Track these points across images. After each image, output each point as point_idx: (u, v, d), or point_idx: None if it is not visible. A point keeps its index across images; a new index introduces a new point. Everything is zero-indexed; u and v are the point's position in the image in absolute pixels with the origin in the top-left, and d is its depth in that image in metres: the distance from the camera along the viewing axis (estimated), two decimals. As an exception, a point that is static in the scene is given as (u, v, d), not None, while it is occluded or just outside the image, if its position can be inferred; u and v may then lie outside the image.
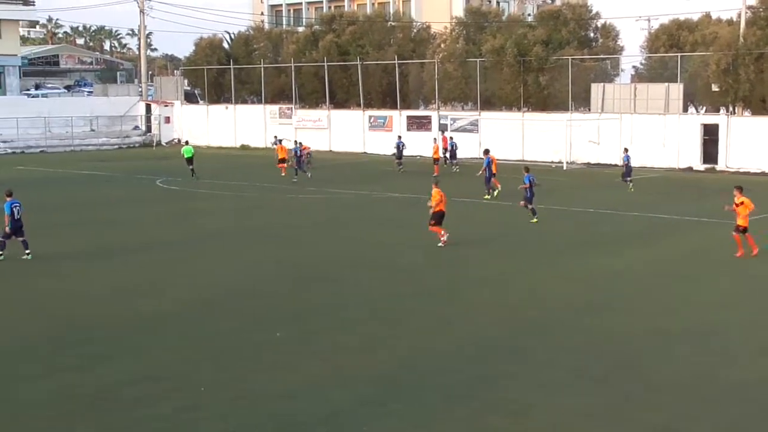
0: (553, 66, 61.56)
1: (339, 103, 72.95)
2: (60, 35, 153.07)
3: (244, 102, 79.50)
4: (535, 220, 32.85)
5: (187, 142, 58.42)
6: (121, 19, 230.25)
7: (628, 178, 44.04)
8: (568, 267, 25.16)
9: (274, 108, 74.49)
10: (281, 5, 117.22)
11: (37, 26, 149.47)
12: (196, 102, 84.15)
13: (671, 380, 15.35)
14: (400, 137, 58.05)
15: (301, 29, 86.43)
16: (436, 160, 51.36)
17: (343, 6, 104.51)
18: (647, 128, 56.17)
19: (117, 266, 25.60)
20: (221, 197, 41.78)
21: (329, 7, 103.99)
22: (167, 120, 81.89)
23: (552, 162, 57.05)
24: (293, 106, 73.35)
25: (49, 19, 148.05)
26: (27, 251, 26.47)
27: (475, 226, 32.85)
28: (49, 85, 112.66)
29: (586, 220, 34.40)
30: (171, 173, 51.96)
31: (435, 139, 55.57)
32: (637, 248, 28.11)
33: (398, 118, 66.72)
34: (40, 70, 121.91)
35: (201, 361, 16.53)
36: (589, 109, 60.13)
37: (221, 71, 79.48)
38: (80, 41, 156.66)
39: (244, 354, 16.98)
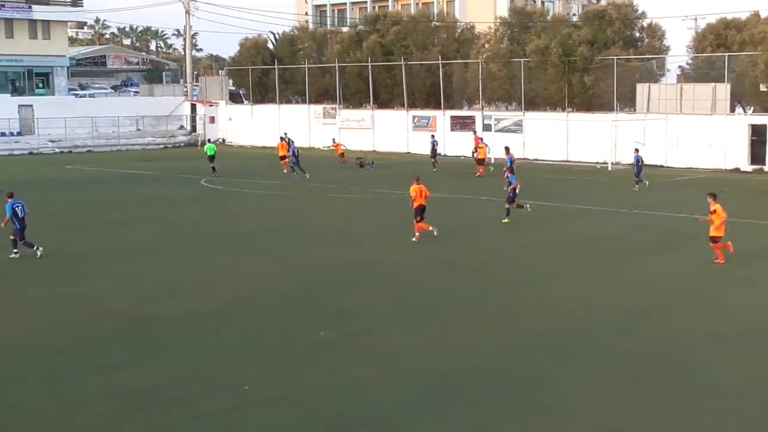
0: (598, 66, 61.17)
1: (383, 103, 73.00)
2: (107, 36, 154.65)
3: (289, 102, 79.82)
4: (506, 220, 32.99)
5: (209, 140, 59.08)
6: (167, 20, 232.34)
7: (638, 178, 44.04)
8: (619, 268, 25.00)
9: (318, 108, 74.72)
10: (326, 5, 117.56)
11: (85, 27, 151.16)
12: (241, 102, 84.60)
13: (722, 384, 15.22)
14: (433, 136, 58.21)
15: (345, 29, 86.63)
16: (481, 161, 51.10)
17: (387, 6, 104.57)
18: (693, 129, 55.64)
19: (165, 265, 25.84)
20: (265, 197, 42.00)
21: (373, 7, 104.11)
22: (212, 120, 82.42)
23: (596, 163, 56.68)
24: (337, 106, 73.54)
25: (97, 20, 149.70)
26: (15, 251, 26.66)
27: (520, 226, 32.75)
28: (96, 86, 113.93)
29: (634, 222, 34.15)
30: (217, 173, 52.23)
31: (482, 138, 55.28)
32: (689, 250, 27.79)
33: (442, 118, 66.64)
34: (87, 71, 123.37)
35: (246, 360, 16.65)
36: (635, 110, 59.69)
37: (266, 71, 79.85)
38: (127, 42, 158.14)
39: (289, 353, 17.07)
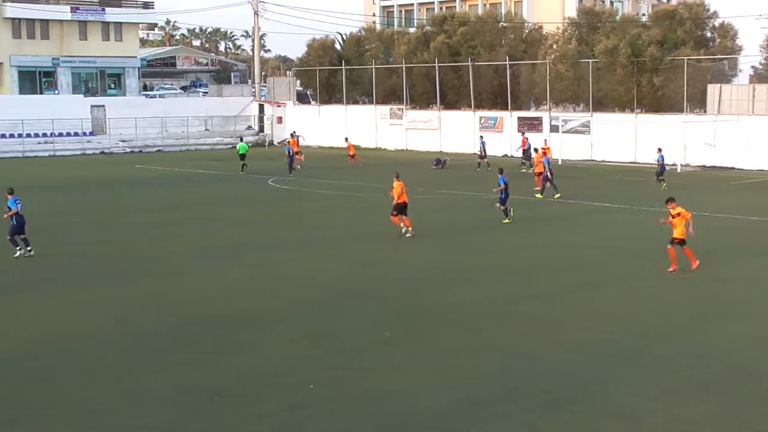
0: (667, 67, 60.40)
1: (450, 104, 72.90)
2: (177, 37, 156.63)
3: (355, 102, 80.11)
4: (507, 221, 32.89)
5: (241, 139, 59.62)
6: (236, 21, 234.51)
7: (659, 177, 44.25)
8: (686, 273, 24.69)
9: (385, 109, 74.88)
10: (393, 6, 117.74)
11: (156, 29, 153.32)
12: (308, 102, 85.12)
13: (788, 390, 15.00)
14: (482, 137, 58.12)
15: (412, 30, 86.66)
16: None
17: (455, 7, 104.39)
18: (766, 130, 54.67)
19: (231, 264, 26.12)
20: (332, 197, 42.21)
21: (441, 8, 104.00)
22: (279, 120, 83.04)
23: (666, 165, 55.88)
24: (404, 107, 73.61)
25: (168, 22, 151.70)
26: (19, 248, 27.01)
27: (580, 227, 32.51)
28: (167, 86, 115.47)
29: (704, 225, 33.66)
30: (283, 173, 52.66)
31: (546, 140, 54.88)
32: (760, 255, 27.35)
33: (509, 119, 66.34)
34: (158, 72, 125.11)
35: (311, 358, 16.77)
36: (705, 111, 58.83)
37: (333, 72, 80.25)
38: (196, 43, 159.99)
39: (353, 353, 17.16)
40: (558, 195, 40.30)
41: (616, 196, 40.86)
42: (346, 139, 62.44)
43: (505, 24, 75.99)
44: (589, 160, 59.97)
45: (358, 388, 15.10)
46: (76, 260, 26.75)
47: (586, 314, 20.10)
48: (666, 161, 45.52)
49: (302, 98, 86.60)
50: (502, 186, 32.84)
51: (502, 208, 33.02)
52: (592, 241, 29.84)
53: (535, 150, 47.03)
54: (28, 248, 27.12)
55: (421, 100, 74.86)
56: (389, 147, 72.61)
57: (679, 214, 24.39)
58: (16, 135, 71.53)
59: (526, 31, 74.79)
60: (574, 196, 40.96)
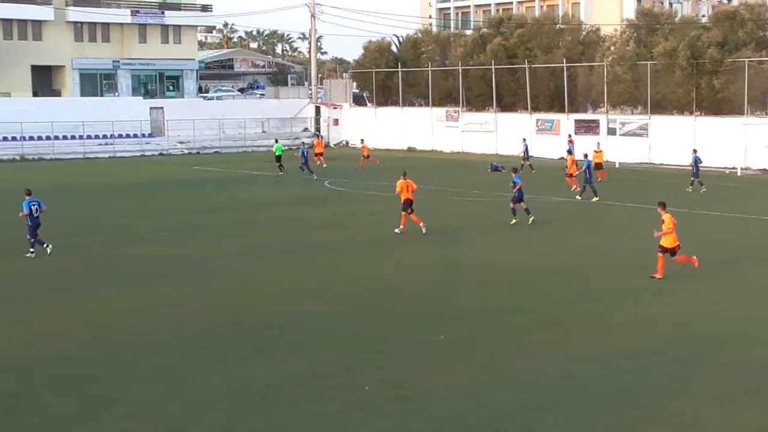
0: (728, 69, 59.56)
1: (506, 106, 72.58)
2: (235, 40, 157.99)
3: (412, 105, 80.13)
4: (515, 221, 33.09)
5: (276, 141, 60.11)
6: (292, 24, 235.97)
7: (696, 180, 44.15)
8: (744, 277, 24.38)
9: (441, 111, 74.80)
10: (449, 8, 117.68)
11: (214, 31, 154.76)
12: (364, 104, 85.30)
13: None
14: (524, 139, 57.81)
15: (468, 32, 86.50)
16: (598, 165, 50.13)
17: (511, 8, 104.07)
18: (829, 133, 53.74)
19: (286, 265, 26.29)
20: (385, 198, 42.16)
21: (497, 10, 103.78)
22: (336, 122, 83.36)
23: (725, 168, 55.16)
24: (460, 109, 73.47)
25: (225, 24, 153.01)
26: (32, 250, 27.30)
27: (640, 228, 32.19)
28: (224, 88, 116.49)
29: (765, 230, 33.22)
30: (339, 175, 52.87)
31: (599, 143, 54.27)
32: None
33: (566, 121, 65.91)
34: (215, 74, 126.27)
35: (365, 360, 16.83)
36: (767, 113, 57.92)
37: (389, 74, 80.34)
38: (254, 45, 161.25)
39: (406, 354, 17.18)
40: (596, 198, 40.07)
41: (673, 200, 40.32)
42: (362, 140, 62.98)
43: (562, 26, 75.50)
44: (646, 163, 59.36)
45: (414, 389, 15.12)
46: (132, 260, 27.08)
47: (640, 318, 19.93)
48: (701, 163, 45.23)
49: (358, 100, 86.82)
50: (519, 184, 33.06)
51: (524, 206, 33.27)
52: (647, 245, 29.52)
53: (568, 152, 46.96)
54: (31, 250, 27.41)
55: (477, 102, 74.66)
56: (445, 149, 72.50)
57: (663, 221, 23.84)
58: (77, 137, 72.62)
59: (584, 32, 74.20)
60: (630, 198, 40.60)
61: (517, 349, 17.48)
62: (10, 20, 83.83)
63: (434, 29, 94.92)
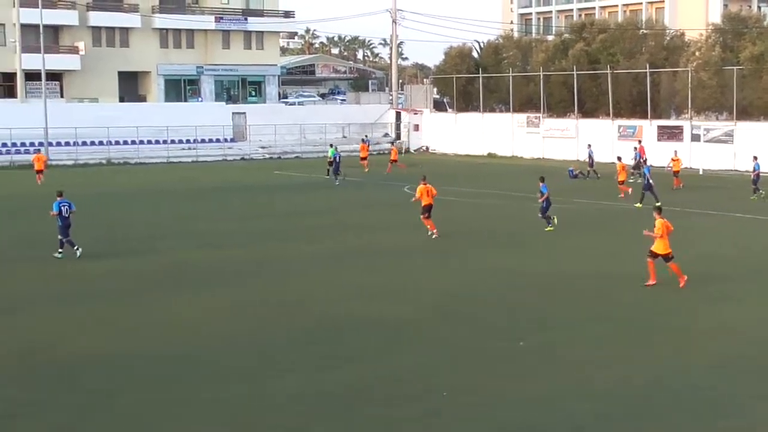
0: (817, 73, 58.27)
1: (587, 112, 71.94)
2: (316, 45, 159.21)
3: (492, 110, 79.88)
4: (550, 228, 32.97)
5: (331, 145, 60.34)
6: (374, 29, 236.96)
7: (756, 186, 43.51)
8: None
9: (522, 117, 74.43)
10: (531, 14, 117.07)
11: (296, 37, 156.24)
12: (445, 110, 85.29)
13: None
14: (590, 146, 57.10)
15: (550, 38, 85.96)
16: (675, 173, 49.35)
17: (594, 14, 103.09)
18: None
19: (363, 270, 26.39)
20: (463, 204, 42.12)
21: (579, 15, 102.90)
22: (416, 128, 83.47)
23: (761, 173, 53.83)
24: (541, 115, 73.02)
25: (307, 30, 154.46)
26: (61, 250, 27.93)
27: (719, 236, 31.63)
28: (305, 94, 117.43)
29: None
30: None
31: (676, 151, 53.24)
32: None
33: (648, 127, 65.05)
34: (297, 79, 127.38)
35: (443, 365, 16.81)
36: None
37: (470, 79, 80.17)
38: (335, 51, 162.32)
39: (485, 361, 17.12)
40: (658, 204, 39.53)
41: (759, 208, 39.62)
42: (392, 143, 63.30)
43: (645, 31, 74.59)
44: (732, 170, 58.28)
45: (492, 396, 15.07)
46: (211, 263, 27.44)
47: (725, 327, 19.59)
48: (762, 169, 44.62)
49: (439, 106, 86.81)
50: (545, 194, 32.91)
51: (542, 216, 33.22)
52: (727, 253, 29.02)
53: (618, 158, 46.43)
54: (60, 250, 28.04)
55: (559, 108, 74.12)
56: (525, 155, 72.12)
57: (655, 226, 23.45)
58: (161, 141, 73.96)
59: (668, 38, 73.22)
60: (714, 206, 39.93)
61: (599, 358, 17.30)
62: (99, 28, 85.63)
63: (515, 35, 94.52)
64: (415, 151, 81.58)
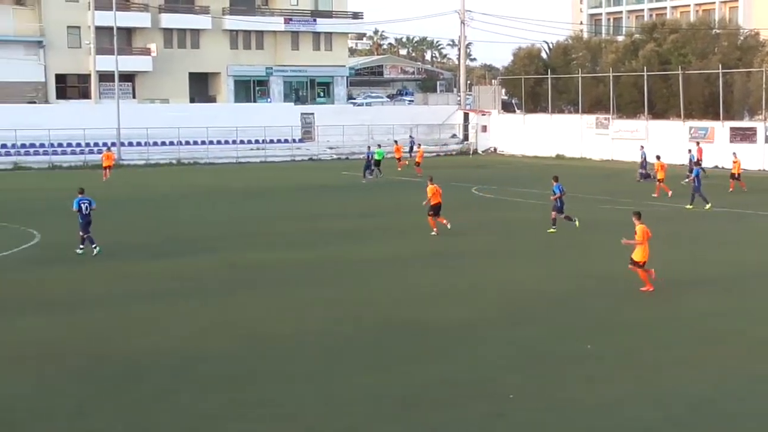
0: None
1: (658, 113, 71.03)
2: (384, 46, 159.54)
3: (561, 111, 79.29)
4: (552, 230, 32.72)
5: (379, 146, 60.33)
6: (442, 30, 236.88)
7: None
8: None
9: (591, 118, 73.74)
10: (601, 14, 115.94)
11: (364, 38, 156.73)
12: (513, 111, 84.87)
13: None
14: (642, 147, 56.23)
15: (620, 38, 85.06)
16: (735, 175, 48.30)
17: (665, 14, 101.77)
18: None
19: (432, 270, 26.36)
20: (533, 206, 41.82)
21: (650, 15, 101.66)
22: (484, 129, 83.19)
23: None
24: (610, 116, 72.27)
25: (376, 32, 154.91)
26: (82, 246, 28.57)
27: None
28: (373, 94, 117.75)
29: None
30: (487, 182, 52.74)
31: (735, 153, 52.05)
32: None
33: (720, 129, 64.01)
34: (365, 80, 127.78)
35: (509, 368, 16.71)
36: None
37: (538, 80, 79.67)
38: (403, 52, 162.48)
39: (553, 364, 16.99)
40: (709, 206, 39.17)
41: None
42: (416, 143, 65.81)
43: (718, 31, 73.45)
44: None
45: (558, 399, 14.95)
46: (282, 264, 27.60)
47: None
48: None
49: (507, 107, 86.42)
50: (558, 194, 32.70)
51: (556, 215, 32.99)
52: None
53: (657, 157, 45.97)
54: (81, 246, 28.62)
55: (628, 109, 73.29)
56: (594, 157, 71.46)
57: (635, 232, 22.93)
58: (230, 141, 74.72)
59: (741, 37, 72.00)
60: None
61: (667, 363, 17.05)
62: (171, 30, 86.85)
63: (585, 35, 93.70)
64: (483, 152, 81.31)
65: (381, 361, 17.16)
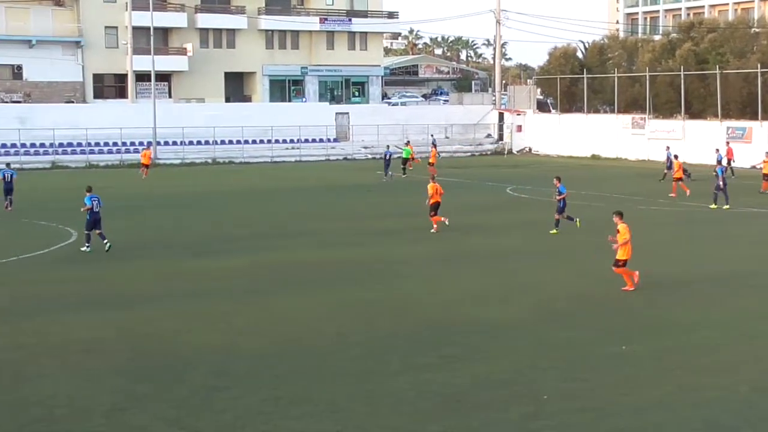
0: None
1: (694, 113, 70.52)
2: (419, 46, 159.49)
3: (596, 111, 78.93)
4: (555, 231, 32.69)
5: (407, 143, 60.13)
6: (477, 30, 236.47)
7: None
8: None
9: (627, 118, 73.35)
10: (637, 13, 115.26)
11: (399, 38, 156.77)
12: (548, 111, 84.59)
13: None
14: (668, 147, 55.71)
15: (657, 37, 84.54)
16: (765, 176, 47.76)
17: (703, 12, 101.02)
18: None
19: (471, 271, 26.37)
20: (568, 206, 41.63)
21: (688, 14, 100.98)
22: (519, 128, 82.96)
23: None
24: (646, 116, 71.85)
25: (411, 31, 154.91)
26: (87, 244, 29.05)
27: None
28: (408, 94, 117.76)
29: None
30: (522, 182, 52.61)
31: (767, 152, 51.43)
32: None
33: (758, 129, 63.44)
34: (400, 80, 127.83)
35: (546, 369, 16.68)
36: None
37: (574, 80, 79.39)
38: (438, 51, 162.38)
39: (589, 365, 16.93)
40: (727, 206, 39.13)
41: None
42: (436, 144, 66.39)
43: (757, 29, 72.82)
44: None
45: (594, 401, 14.91)
46: (320, 263, 27.70)
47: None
48: None
49: (542, 106, 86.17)
50: (564, 194, 32.67)
51: (558, 216, 32.99)
52: None
53: (675, 156, 46.39)
54: (105, 241, 29.02)
55: (665, 109, 72.83)
56: (630, 157, 71.06)
57: (618, 231, 22.85)
58: (265, 141, 75.02)
59: (780, 36, 71.39)
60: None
61: (706, 365, 16.96)
62: (207, 29, 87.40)
63: (621, 34, 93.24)
64: (518, 152, 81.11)
65: (421, 361, 17.15)
